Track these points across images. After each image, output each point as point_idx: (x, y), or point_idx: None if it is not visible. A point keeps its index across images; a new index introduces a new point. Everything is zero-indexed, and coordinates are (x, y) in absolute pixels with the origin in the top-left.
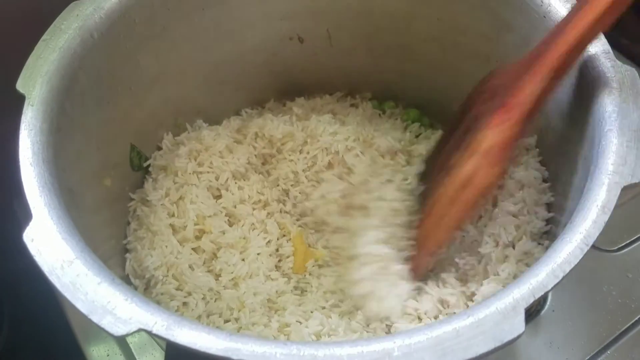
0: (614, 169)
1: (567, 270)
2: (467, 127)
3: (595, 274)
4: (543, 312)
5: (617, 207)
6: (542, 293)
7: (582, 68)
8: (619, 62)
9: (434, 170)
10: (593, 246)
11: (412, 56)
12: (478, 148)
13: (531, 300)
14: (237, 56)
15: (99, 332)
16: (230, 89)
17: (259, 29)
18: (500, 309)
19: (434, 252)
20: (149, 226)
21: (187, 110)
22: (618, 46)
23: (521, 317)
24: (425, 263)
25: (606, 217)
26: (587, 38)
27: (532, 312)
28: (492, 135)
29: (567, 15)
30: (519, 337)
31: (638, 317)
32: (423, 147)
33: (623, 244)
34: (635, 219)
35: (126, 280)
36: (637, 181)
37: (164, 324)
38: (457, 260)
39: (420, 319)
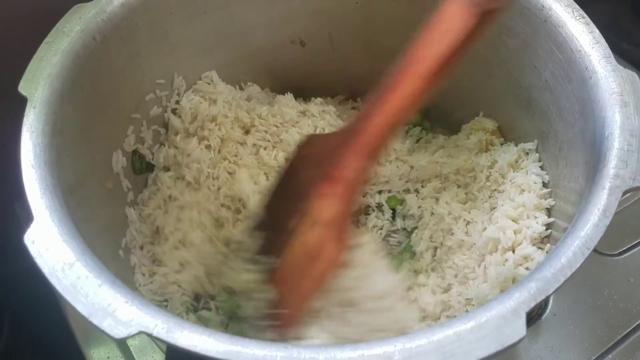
0: (615, 173)
1: (569, 274)
2: (298, 191)
3: (596, 278)
4: (544, 316)
5: (618, 211)
6: (544, 297)
7: (583, 72)
8: (619, 66)
9: (274, 223)
10: (594, 250)
11: None
12: (318, 219)
13: (532, 304)
14: (238, 59)
15: (99, 335)
16: None
17: (260, 32)
18: (501, 312)
19: (295, 318)
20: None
21: None
22: (619, 51)
23: (522, 321)
24: (291, 324)
25: (607, 221)
26: (395, 121)
27: (534, 316)
28: (326, 207)
29: (379, 92)
30: (520, 341)
31: (639, 321)
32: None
33: (624, 248)
34: (637, 223)
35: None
36: (638, 185)
37: (164, 327)
38: (457, 262)
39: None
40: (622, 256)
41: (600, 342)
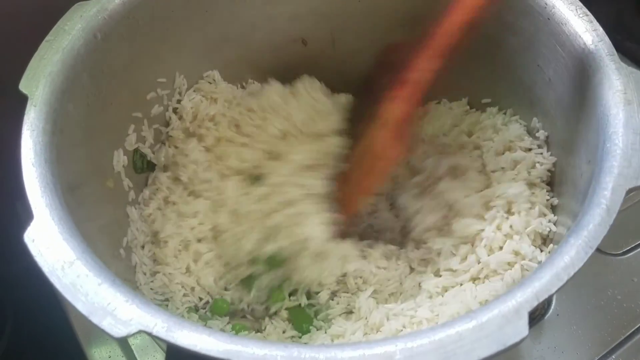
0: (619, 171)
1: (572, 273)
2: (373, 98)
3: (600, 278)
4: (547, 316)
5: (622, 210)
6: (546, 296)
7: (587, 70)
8: (623, 64)
9: (357, 126)
10: (598, 250)
11: None
12: (384, 121)
13: (535, 304)
14: (240, 58)
15: (100, 334)
16: None
17: (262, 31)
18: (503, 312)
19: (354, 209)
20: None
21: None
22: (623, 49)
23: (525, 320)
24: (350, 212)
25: (611, 220)
26: (467, 20)
27: (536, 316)
28: (393, 109)
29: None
30: (522, 340)
31: None
32: None
33: (628, 248)
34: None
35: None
36: None
37: (164, 326)
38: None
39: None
40: (626, 256)
41: (604, 342)
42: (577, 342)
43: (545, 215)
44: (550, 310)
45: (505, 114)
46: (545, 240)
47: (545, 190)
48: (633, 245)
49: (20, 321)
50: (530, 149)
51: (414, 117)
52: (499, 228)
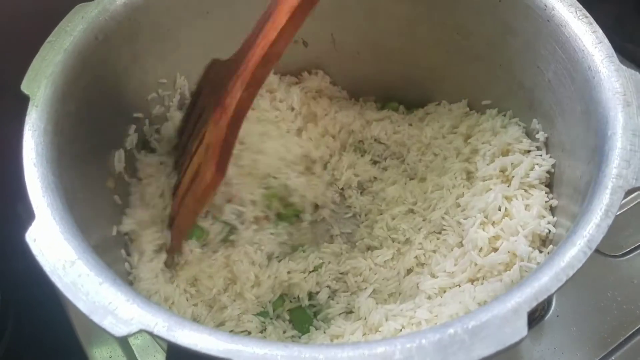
0: (618, 172)
1: (571, 274)
2: (200, 115)
3: (600, 280)
4: (547, 317)
5: (622, 212)
6: (545, 297)
7: (586, 72)
8: (622, 66)
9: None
10: (598, 251)
11: (416, 60)
12: (207, 144)
13: (534, 304)
14: None
15: (101, 334)
16: None
17: None
18: (502, 312)
19: (181, 233)
20: None
21: None
22: (623, 51)
23: (524, 320)
24: (178, 240)
25: (610, 221)
26: (273, 52)
27: (536, 317)
28: (212, 132)
29: (258, 22)
30: (521, 341)
31: None
32: None
33: (628, 249)
34: (639, 225)
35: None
36: None
37: (165, 325)
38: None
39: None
40: (626, 257)
41: (604, 343)
42: (577, 343)
43: (544, 217)
44: (550, 311)
45: (504, 115)
46: (544, 242)
47: (544, 192)
48: (633, 247)
49: (21, 321)
50: (529, 151)
51: (229, 142)
52: (484, 229)
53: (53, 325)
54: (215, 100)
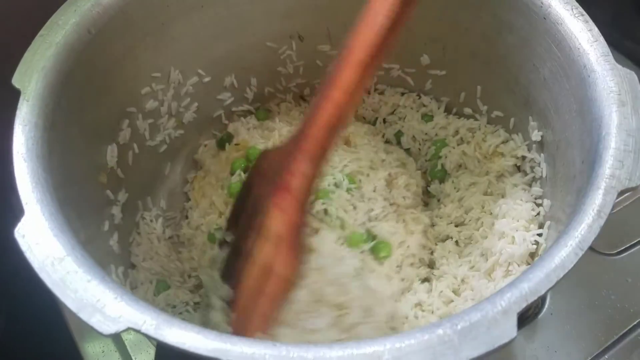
0: (611, 172)
1: (561, 275)
2: (254, 208)
3: (594, 278)
4: (541, 315)
5: (618, 210)
6: (535, 298)
7: (582, 70)
8: (618, 65)
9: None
10: (593, 249)
11: (413, 56)
12: (269, 234)
13: (524, 305)
14: (236, 53)
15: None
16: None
17: (258, 26)
18: (492, 313)
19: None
20: None
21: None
22: (621, 48)
23: (513, 321)
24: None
25: (602, 222)
26: (336, 120)
27: (530, 315)
28: (278, 220)
29: (318, 97)
30: (510, 342)
31: (636, 321)
32: None
33: (623, 248)
34: (636, 223)
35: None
36: (634, 185)
37: (153, 323)
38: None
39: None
40: (621, 256)
41: (597, 342)
42: (571, 341)
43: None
44: (544, 309)
45: (497, 120)
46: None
47: (533, 196)
48: (628, 245)
49: (14, 316)
50: (524, 157)
51: (301, 225)
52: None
53: (45, 321)
54: (272, 188)
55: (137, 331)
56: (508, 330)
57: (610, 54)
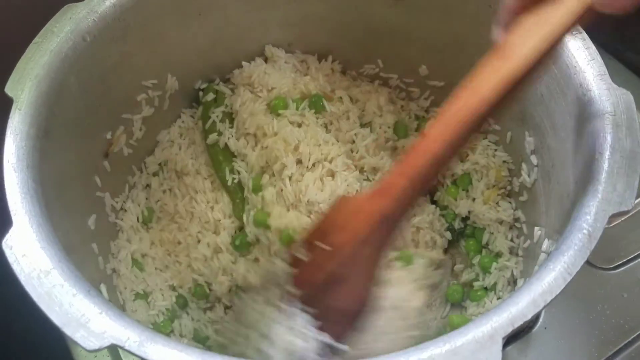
0: (603, 196)
1: (549, 299)
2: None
3: (590, 292)
4: (535, 328)
5: (614, 225)
6: (521, 322)
7: (577, 89)
8: (614, 85)
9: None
10: (589, 263)
11: (411, 67)
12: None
13: (509, 330)
14: (232, 62)
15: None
16: None
17: (255, 36)
18: (477, 337)
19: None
20: None
21: None
22: (624, 59)
23: (498, 346)
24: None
25: (592, 246)
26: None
27: (524, 329)
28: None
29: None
30: None
31: (631, 337)
32: None
33: (619, 262)
34: (632, 238)
35: None
36: (625, 209)
37: (136, 340)
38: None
39: None
40: (617, 270)
41: (591, 357)
42: (564, 356)
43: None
44: (538, 324)
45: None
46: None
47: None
48: (625, 260)
49: (6, 318)
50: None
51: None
52: None
53: (38, 324)
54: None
55: (121, 347)
56: (493, 354)
57: (607, 73)
